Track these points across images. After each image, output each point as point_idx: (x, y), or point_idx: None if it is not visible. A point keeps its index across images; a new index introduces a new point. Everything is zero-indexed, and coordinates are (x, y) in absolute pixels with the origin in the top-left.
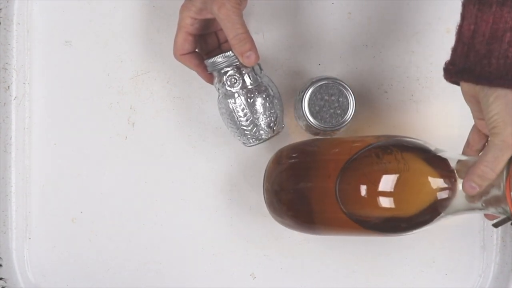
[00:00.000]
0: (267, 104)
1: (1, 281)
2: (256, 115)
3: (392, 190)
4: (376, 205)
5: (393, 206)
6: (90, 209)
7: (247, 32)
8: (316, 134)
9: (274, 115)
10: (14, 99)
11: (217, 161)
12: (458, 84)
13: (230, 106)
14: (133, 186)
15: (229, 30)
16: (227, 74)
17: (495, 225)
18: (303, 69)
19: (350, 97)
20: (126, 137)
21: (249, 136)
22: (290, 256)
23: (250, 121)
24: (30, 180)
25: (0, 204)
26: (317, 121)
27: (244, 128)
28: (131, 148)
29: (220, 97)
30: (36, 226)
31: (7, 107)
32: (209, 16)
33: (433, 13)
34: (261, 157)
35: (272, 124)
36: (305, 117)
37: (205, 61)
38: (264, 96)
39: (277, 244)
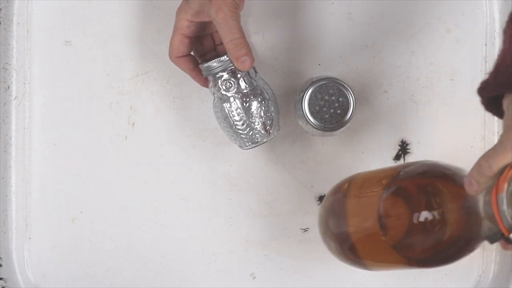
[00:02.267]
0: (263, 108)
1: (1, 281)
2: (251, 118)
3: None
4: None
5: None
6: (90, 209)
7: (243, 37)
8: (316, 134)
9: (270, 118)
10: (14, 99)
11: (217, 161)
12: (494, 105)
13: (226, 110)
14: (133, 186)
15: (226, 34)
16: (222, 79)
17: (490, 241)
18: (303, 69)
19: (350, 97)
20: (126, 137)
21: (245, 139)
22: (290, 256)
23: (246, 125)
24: (30, 180)
25: (0, 204)
26: (317, 121)
27: (240, 131)
28: (131, 148)
29: (215, 101)
30: (36, 226)
31: (7, 107)
32: (206, 19)
33: (433, 13)
34: (261, 157)
35: (268, 127)
36: (305, 117)
37: (200, 65)
38: (259, 99)
39: (277, 244)
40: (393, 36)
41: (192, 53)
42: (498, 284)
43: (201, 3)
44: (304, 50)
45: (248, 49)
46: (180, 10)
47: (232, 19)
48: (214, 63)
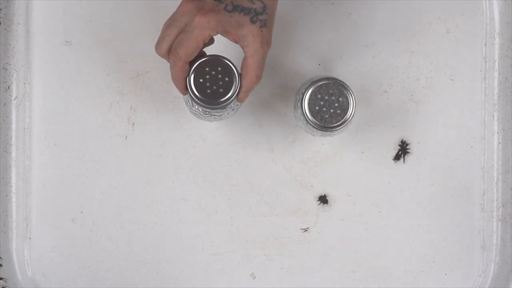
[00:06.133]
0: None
1: (1, 281)
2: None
3: None
4: None
5: None
6: (90, 209)
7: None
8: (316, 134)
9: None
10: (14, 99)
11: (217, 161)
12: None
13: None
14: (133, 186)
15: (255, 67)
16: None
17: None
18: (303, 69)
19: (350, 97)
20: (126, 137)
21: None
22: (290, 256)
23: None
24: (30, 180)
25: (0, 204)
26: (317, 121)
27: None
28: (131, 148)
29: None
30: (36, 226)
31: (7, 107)
32: (230, 38)
33: (433, 13)
34: (261, 157)
35: (227, 114)
36: (305, 117)
37: (189, 103)
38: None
39: (277, 244)
40: (393, 36)
41: None
42: (498, 284)
43: (240, 23)
44: (304, 50)
45: None
46: (213, 17)
47: (265, 57)
48: (205, 108)
